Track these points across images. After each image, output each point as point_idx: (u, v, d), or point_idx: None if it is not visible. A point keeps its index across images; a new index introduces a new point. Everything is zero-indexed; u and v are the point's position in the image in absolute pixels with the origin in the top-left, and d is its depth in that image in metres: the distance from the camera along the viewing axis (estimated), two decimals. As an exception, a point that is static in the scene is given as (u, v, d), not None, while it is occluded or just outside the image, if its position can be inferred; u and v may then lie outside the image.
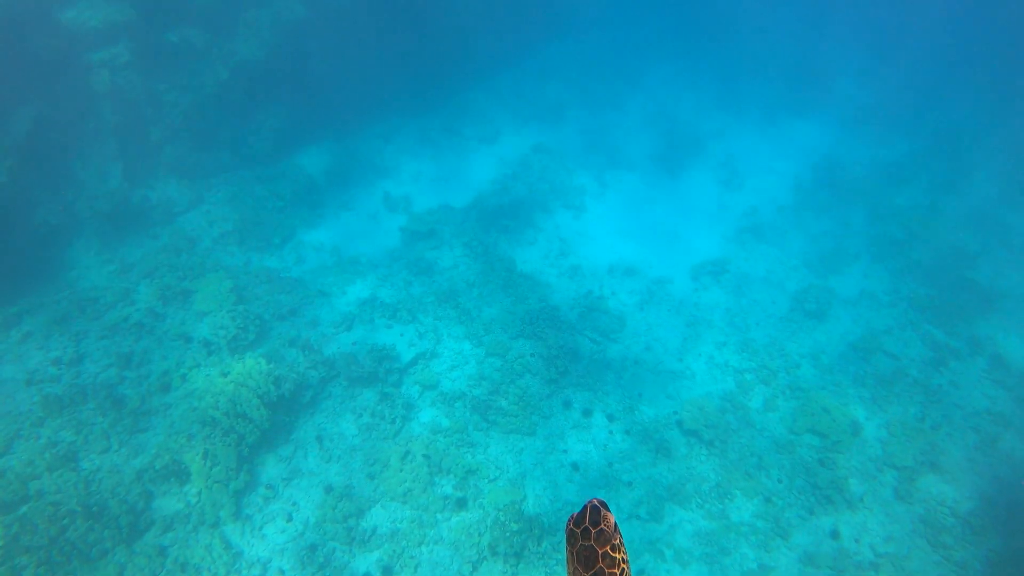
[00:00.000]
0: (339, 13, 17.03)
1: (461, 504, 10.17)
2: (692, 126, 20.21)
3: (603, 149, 18.74)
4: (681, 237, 16.02)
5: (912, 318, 13.72)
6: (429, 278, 14.39)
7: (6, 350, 12.27)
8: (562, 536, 9.69)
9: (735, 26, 26.11)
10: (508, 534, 9.73)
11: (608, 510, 2.05)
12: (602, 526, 2.03)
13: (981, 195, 17.49)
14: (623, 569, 2.06)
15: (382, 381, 12.05)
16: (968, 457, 11.06)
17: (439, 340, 12.95)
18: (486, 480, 10.52)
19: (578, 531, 2.05)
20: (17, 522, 9.25)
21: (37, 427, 10.78)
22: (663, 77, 23.15)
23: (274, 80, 16.53)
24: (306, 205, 16.19)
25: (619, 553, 2.06)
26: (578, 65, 22.68)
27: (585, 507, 2.07)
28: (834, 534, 10.05)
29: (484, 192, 16.75)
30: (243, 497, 10.15)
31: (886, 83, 23.17)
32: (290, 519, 10.00)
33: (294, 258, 14.83)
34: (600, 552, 2.01)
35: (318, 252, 15.11)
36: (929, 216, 16.36)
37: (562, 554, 9.79)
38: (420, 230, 15.51)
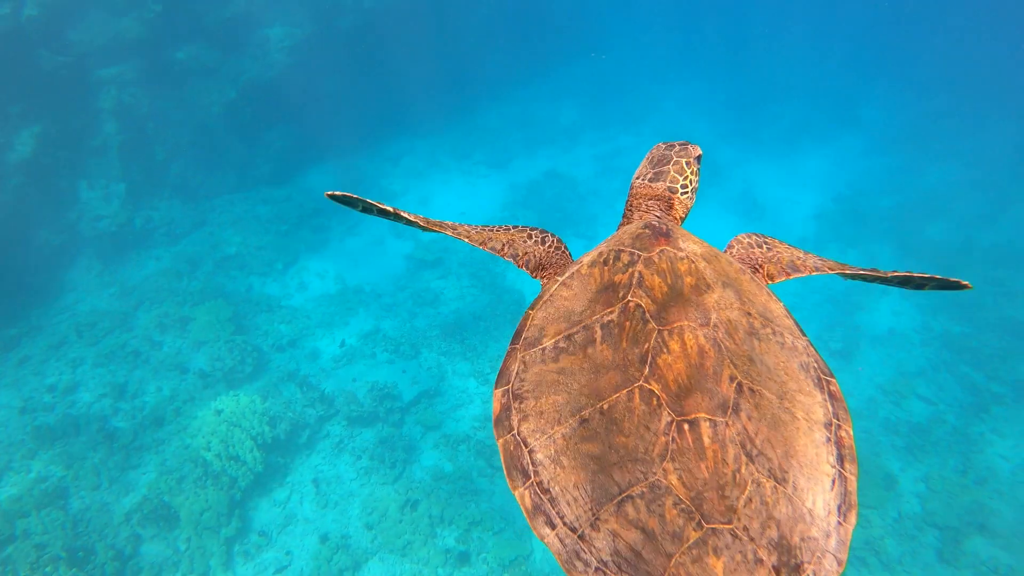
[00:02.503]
0: (349, 32, 16.72)
1: (463, 559, 9.48)
2: (709, 152, 19.52)
3: (617, 175, 18.14)
4: (699, 269, 15.33)
5: (947, 359, 12.89)
6: (434, 310, 13.81)
7: (3, 373, 11.90)
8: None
9: (753, 49, 25.65)
10: (514, 594, 9.02)
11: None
12: (688, 147, 2.28)
13: (1017, 230, 16.66)
14: (688, 184, 2.22)
15: (383, 421, 11.43)
16: (1021, 519, 10.18)
17: (443, 377, 12.33)
18: (490, 532, 9.81)
19: (661, 144, 2.37)
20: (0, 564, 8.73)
21: (28, 459, 10.33)
22: (679, 100, 22.65)
23: (283, 100, 16.23)
24: (310, 229, 15.76)
25: (690, 171, 2.24)
26: (592, 87, 22.26)
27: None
28: (870, 601, 9.22)
29: (493, 219, 16.20)
30: (234, 545, 9.52)
31: (913, 109, 22.51)
32: (283, 570, 9.35)
33: (296, 284, 14.35)
34: (674, 158, 2.22)
35: (321, 279, 14.61)
36: (964, 250, 15.55)
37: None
38: (427, 258, 14.99)
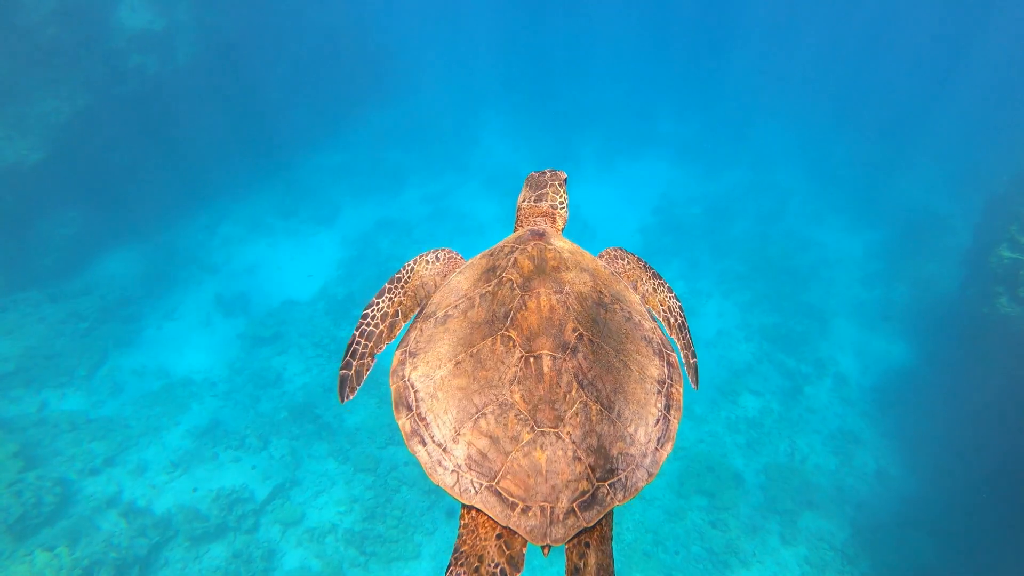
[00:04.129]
0: (131, 101, 15.00)
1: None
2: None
3: (450, 215, 18.20)
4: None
5: (767, 350, 14.44)
6: (279, 390, 12.81)
7: None
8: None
9: (561, 74, 27.19)
10: None
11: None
12: (557, 172, 2.81)
13: (799, 219, 19.25)
14: (564, 201, 2.77)
15: (234, 530, 10.30)
16: (834, 485, 11.61)
17: (298, 464, 11.44)
18: (371, 631, 9.22)
19: (535, 172, 2.84)
20: None
21: None
22: (499, 131, 23.27)
23: (58, 183, 14.11)
24: (119, 321, 13.90)
25: (563, 190, 2.77)
26: (412, 128, 22.13)
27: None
28: (736, 599, 9.97)
29: (330, 280, 15.47)
30: None
31: (699, 119, 25.16)
32: None
33: (108, 389, 12.54)
34: (549, 182, 2.74)
35: (140, 377, 12.93)
36: (762, 246, 17.59)
37: None
38: (263, 335, 13.87)
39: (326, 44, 20.75)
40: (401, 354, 2.27)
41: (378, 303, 2.58)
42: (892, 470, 12.00)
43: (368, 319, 2.56)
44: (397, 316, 2.54)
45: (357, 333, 2.53)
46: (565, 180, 2.87)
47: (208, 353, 13.56)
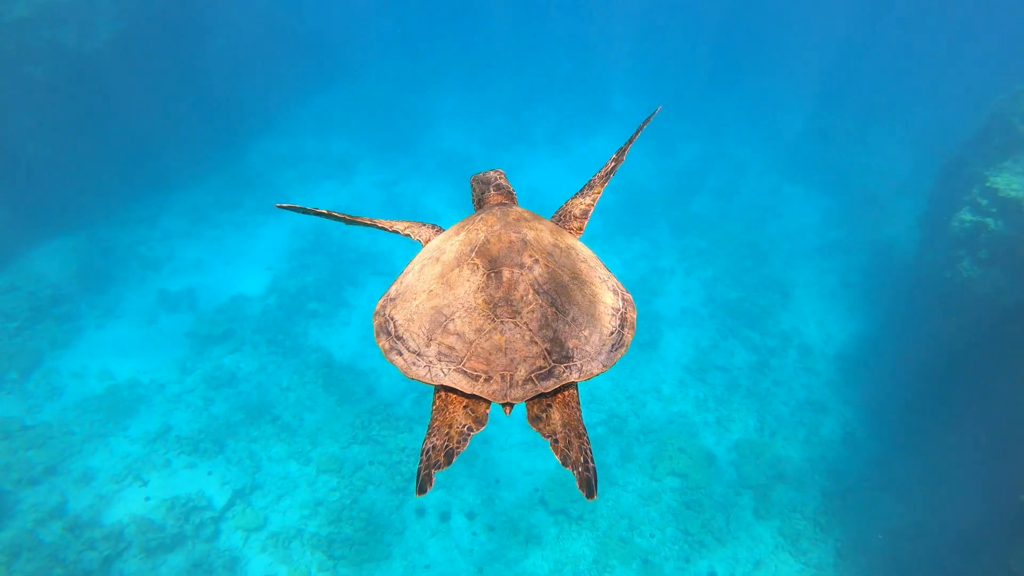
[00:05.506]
0: (47, 84, 13.75)
1: None
2: (488, 162, 19.80)
3: (404, 202, 17.53)
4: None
5: (731, 326, 14.39)
6: (233, 390, 12.14)
7: None
8: None
9: (510, 52, 26.49)
10: None
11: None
12: (497, 169, 3.06)
13: (757, 191, 19.27)
14: (511, 187, 2.98)
15: (192, 539, 9.74)
16: (804, 456, 11.69)
17: (257, 467, 10.86)
18: (342, 641, 8.82)
19: (476, 174, 3.08)
20: None
21: None
22: (449, 112, 22.52)
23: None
24: (53, 320, 12.95)
25: (507, 179, 3.02)
26: (359, 110, 21.21)
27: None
28: (712, 576, 9.93)
29: (282, 272, 14.70)
30: None
31: (652, 94, 24.90)
32: None
33: (44, 393, 11.71)
34: (494, 176, 3.00)
35: (80, 379, 12.09)
36: (721, 221, 17.54)
37: None
38: (212, 332, 13.10)
39: (265, 21, 19.61)
40: (383, 300, 2.48)
41: None
42: (858, 435, 12.15)
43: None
44: (393, 227, 2.93)
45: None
46: (504, 173, 3.08)
47: (155, 353, 12.74)
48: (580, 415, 2.14)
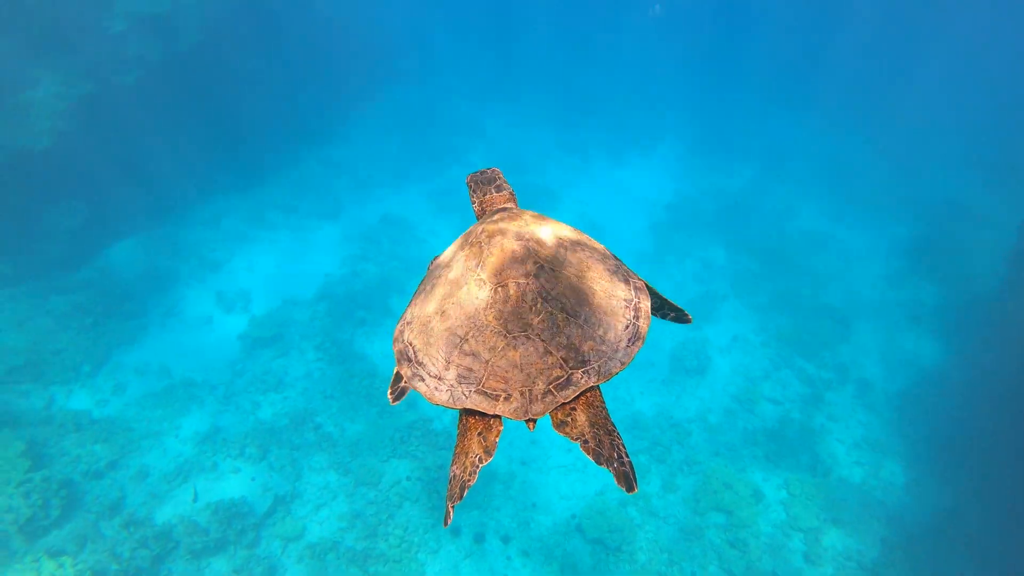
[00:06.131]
0: (135, 90, 14.50)
1: None
2: (541, 175, 19.65)
3: (454, 211, 17.58)
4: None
5: (784, 354, 13.78)
6: (280, 395, 12.34)
7: None
8: None
9: (567, 62, 26.38)
10: None
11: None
12: (494, 169, 3.07)
13: (817, 214, 18.48)
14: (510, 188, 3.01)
15: (234, 544, 9.89)
16: (861, 500, 11.01)
17: (299, 476, 10.97)
18: (372, 657, 8.76)
19: (473, 173, 3.07)
20: None
21: None
22: (501, 123, 22.53)
23: (65, 172, 13.68)
24: (122, 317, 13.48)
25: (505, 180, 3.04)
26: (411, 118, 21.46)
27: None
28: (756, 624, 9.43)
29: (332, 278, 14.92)
30: None
31: (711, 110, 24.29)
32: None
33: (111, 388, 12.15)
34: (494, 177, 3.00)
35: (142, 376, 12.51)
36: (778, 244, 16.86)
37: None
38: (264, 335, 13.38)
39: (329, 33, 20.14)
40: (400, 324, 2.51)
41: None
42: (924, 480, 11.37)
43: None
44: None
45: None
46: (501, 173, 3.08)
47: (209, 354, 13.10)
48: (607, 412, 2.17)
